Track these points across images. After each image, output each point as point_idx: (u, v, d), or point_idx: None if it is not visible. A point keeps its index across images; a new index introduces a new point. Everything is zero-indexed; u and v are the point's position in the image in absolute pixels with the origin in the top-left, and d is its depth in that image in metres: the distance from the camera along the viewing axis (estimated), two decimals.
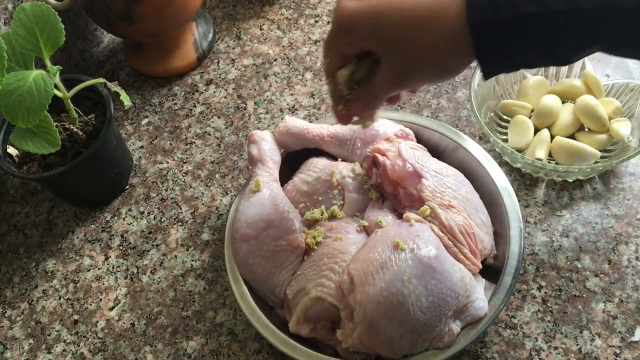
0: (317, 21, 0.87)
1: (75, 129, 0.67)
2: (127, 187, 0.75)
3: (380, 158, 0.60)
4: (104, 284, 0.67)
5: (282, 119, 0.71)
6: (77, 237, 0.71)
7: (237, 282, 0.59)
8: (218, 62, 0.85)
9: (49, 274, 0.69)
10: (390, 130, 0.64)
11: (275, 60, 0.83)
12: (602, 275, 0.60)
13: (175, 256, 0.68)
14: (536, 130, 0.68)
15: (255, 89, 0.81)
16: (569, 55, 0.41)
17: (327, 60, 0.49)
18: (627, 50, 0.41)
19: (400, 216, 0.59)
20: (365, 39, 0.45)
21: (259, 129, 0.76)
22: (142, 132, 0.79)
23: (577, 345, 0.57)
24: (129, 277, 0.67)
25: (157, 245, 0.69)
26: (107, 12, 0.74)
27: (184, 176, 0.74)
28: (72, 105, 0.66)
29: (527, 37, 0.40)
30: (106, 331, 0.64)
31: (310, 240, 0.58)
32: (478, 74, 0.66)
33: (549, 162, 0.65)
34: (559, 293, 0.60)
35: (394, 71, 0.45)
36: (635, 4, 0.36)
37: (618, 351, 0.56)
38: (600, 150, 0.65)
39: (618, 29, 0.38)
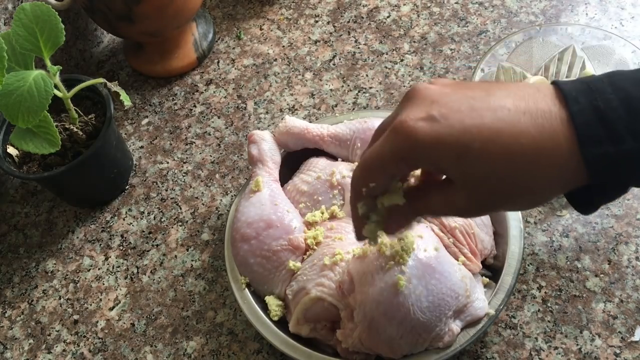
0: (317, 21, 0.87)
1: (75, 129, 0.67)
2: (127, 187, 0.75)
3: None
4: (104, 284, 0.67)
5: (282, 119, 0.71)
6: (77, 237, 0.71)
7: (237, 282, 0.59)
8: (218, 62, 0.85)
9: (49, 274, 0.69)
10: None
11: (275, 60, 0.83)
12: (602, 275, 0.60)
13: (175, 256, 0.68)
14: None
15: (255, 89, 0.81)
16: None
17: (372, 184, 0.41)
18: None
19: None
20: (443, 168, 0.38)
21: (259, 129, 0.76)
22: (142, 132, 0.79)
23: (577, 345, 0.57)
24: (129, 277, 0.67)
25: (157, 245, 0.69)
26: (107, 12, 0.74)
27: (184, 176, 0.74)
28: (72, 105, 0.66)
29: None
30: (106, 331, 0.64)
31: (310, 241, 0.58)
32: (478, 74, 0.66)
33: None
34: (559, 293, 0.60)
35: (474, 203, 0.38)
36: None
37: (618, 351, 0.56)
38: None
39: None
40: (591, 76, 0.37)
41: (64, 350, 0.64)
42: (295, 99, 0.79)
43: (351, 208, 0.45)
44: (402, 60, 0.80)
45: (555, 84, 0.37)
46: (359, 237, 0.46)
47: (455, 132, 0.36)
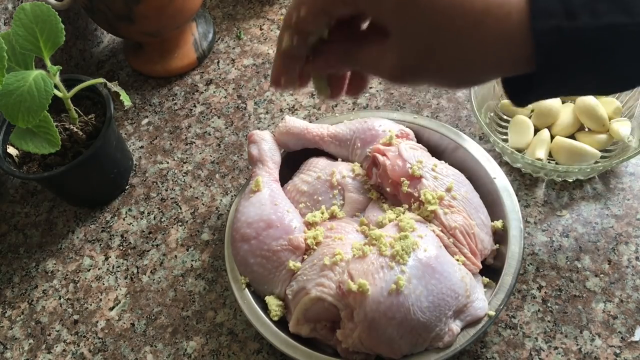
0: None
1: (75, 129, 0.67)
2: (127, 187, 0.75)
3: (380, 158, 0.60)
4: (104, 284, 0.67)
5: (282, 119, 0.71)
6: (77, 237, 0.71)
7: (237, 282, 0.59)
8: (218, 62, 0.85)
9: (49, 274, 0.69)
10: (390, 130, 0.64)
11: None
12: (602, 275, 0.60)
13: (175, 256, 0.68)
14: (536, 130, 0.68)
15: (255, 89, 0.81)
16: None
17: (303, 13, 0.38)
18: None
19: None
20: (381, 11, 0.35)
21: (259, 129, 0.76)
22: (142, 132, 0.79)
23: (577, 345, 0.57)
24: (129, 277, 0.67)
25: (157, 245, 0.69)
26: (107, 12, 0.74)
27: (184, 176, 0.74)
28: (72, 105, 0.66)
29: (600, 55, 0.31)
30: (106, 331, 0.64)
31: (310, 241, 0.58)
32: None
33: (549, 162, 0.65)
34: (559, 293, 0.60)
35: (407, 60, 0.35)
36: None
37: (618, 351, 0.56)
38: (600, 150, 0.65)
39: None
40: None
41: (64, 350, 0.64)
42: (295, 99, 0.79)
43: (277, 42, 0.41)
44: None
45: None
46: (273, 79, 0.43)
47: None
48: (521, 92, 0.36)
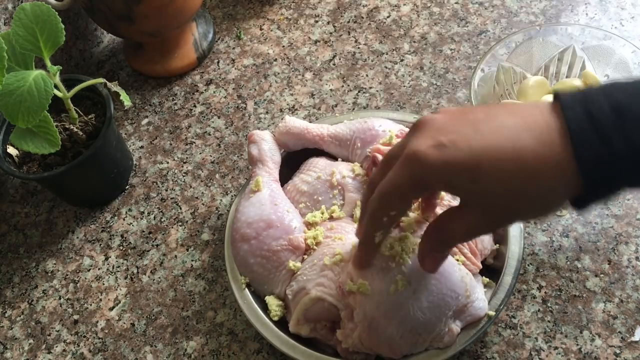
0: (317, 21, 0.87)
1: (75, 129, 0.67)
2: (127, 187, 0.75)
3: (380, 158, 0.60)
4: (104, 284, 0.67)
5: (282, 119, 0.71)
6: (77, 237, 0.71)
7: (237, 282, 0.59)
8: (218, 62, 0.85)
9: (49, 274, 0.69)
10: (390, 130, 0.64)
11: (275, 60, 0.83)
12: (602, 275, 0.60)
13: (175, 256, 0.68)
14: None
15: (255, 89, 0.81)
16: None
17: (393, 212, 0.44)
18: None
19: None
20: (455, 189, 0.41)
21: (259, 129, 0.76)
22: (142, 132, 0.79)
23: (577, 345, 0.57)
24: (129, 277, 0.67)
25: (157, 245, 0.69)
26: (107, 12, 0.74)
27: (184, 176, 0.74)
28: (72, 105, 0.66)
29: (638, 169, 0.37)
30: (106, 331, 0.64)
31: (310, 241, 0.58)
32: (478, 74, 0.66)
33: None
34: (559, 293, 0.60)
35: (489, 220, 0.42)
36: None
37: (618, 351, 0.56)
38: None
39: None
40: (590, 86, 0.40)
41: (64, 350, 0.64)
42: (295, 99, 0.79)
43: (365, 236, 0.48)
44: (402, 60, 0.80)
45: (556, 93, 0.40)
46: (365, 265, 0.50)
47: (463, 155, 0.39)
48: (580, 203, 0.41)
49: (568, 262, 0.61)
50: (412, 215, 0.57)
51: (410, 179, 0.42)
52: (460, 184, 0.40)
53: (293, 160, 0.67)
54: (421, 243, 0.47)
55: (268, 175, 0.64)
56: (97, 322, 0.65)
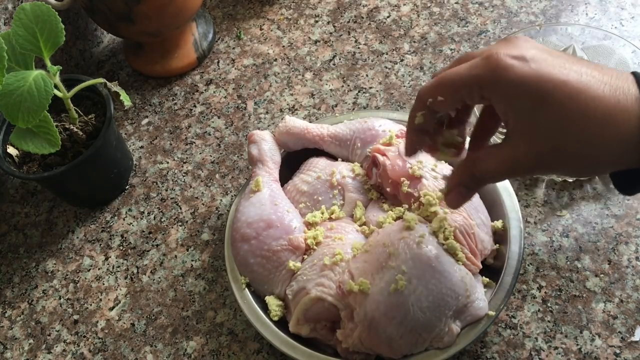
0: (317, 21, 0.87)
1: (75, 129, 0.67)
2: (127, 187, 0.75)
3: (380, 158, 0.60)
4: (104, 284, 0.67)
5: (282, 119, 0.71)
6: (77, 237, 0.71)
7: (237, 282, 0.59)
8: (218, 62, 0.85)
9: (49, 274, 0.69)
10: (390, 130, 0.64)
11: (275, 60, 0.83)
12: (602, 275, 0.60)
13: (175, 256, 0.68)
14: None
15: (255, 89, 0.81)
16: None
17: (440, 98, 0.42)
18: None
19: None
20: (515, 109, 0.39)
21: (259, 129, 0.76)
22: (142, 132, 0.79)
23: (577, 345, 0.57)
24: (129, 277, 0.67)
25: (157, 245, 0.69)
26: (107, 12, 0.74)
27: (184, 176, 0.74)
28: (72, 105, 0.66)
29: None
30: (106, 331, 0.64)
31: (310, 241, 0.58)
32: None
33: None
34: (559, 293, 0.60)
35: (536, 157, 0.40)
36: None
37: (618, 351, 0.56)
38: None
39: None
40: None
41: (64, 350, 0.64)
42: (295, 99, 0.79)
43: (409, 118, 0.47)
44: (402, 60, 0.80)
45: (635, 73, 0.39)
46: (409, 151, 0.49)
47: (542, 78, 0.37)
48: (629, 185, 0.41)
49: (568, 262, 0.61)
50: (412, 215, 0.57)
51: (475, 77, 0.40)
52: (520, 105, 0.38)
53: (293, 160, 0.67)
54: (451, 176, 0.46)
55: (268, 175, 0.64)
56: (97, 322, 0.65)
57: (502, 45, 0.40)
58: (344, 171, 0.63)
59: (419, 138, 0.48)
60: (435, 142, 0.49)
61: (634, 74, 0.39)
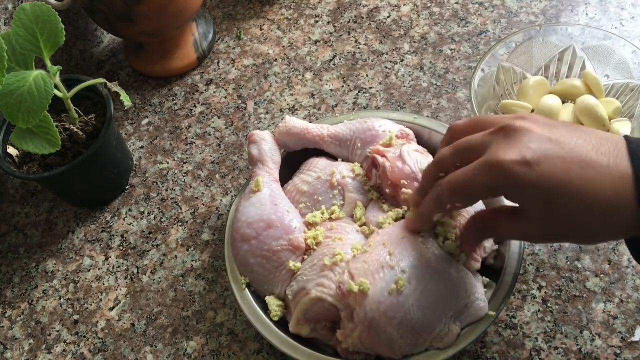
0: (317, 21, 0.87)
1: (75, 129, 0.67)
2: (127, 187, 0.75)
3: (380, 159, 0.60)
4: (104, 284, 0.67)
5: (282, 119, 0.71)
6: (77, 237, 0.71)
7: (237, 282, 0.59)
8: (218, 62, 0.85)
9: (49, 274, 0.69)
10: (390, 131, 0.64)
11: (275, 60, 0.83)
12: (602, 275, 0.60)
13: (175, 256, 0.68)
14: None
15: (255, 89, 0.81)
16: None
17: (458, 204, 0.48)
18: None
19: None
20: (526, 205, 0.43)
21: (259, 129, 0.76)
22: (142, 132, 0.79)
23: (577, 345, 0.57)
24: (129, 277, 0.67)
25: (157, 245, 0.69)
26: (107, 12, 0.74)
27: (184, 176, 0.74)
28: (72, 105, 0.66)
29: None
30: (106, 331, 0.64)
31: (310, 241, 0.58)
32: (478, 74, 0.66)
33: None
34: (559, 293, 0.60)
35: (544, 234, 0.44)
36: None
37: (618, 351, 0.56)
38: None
39: None
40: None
41: (64, 350, 0.64)
42: (295, 99, 0.79)
43: (426, 211, 0.50)
44: (402, 60, 0.80)
45: (626, 139, 0.42)
46: (418, 231, 0.53)
47: (546, 182, 0.41)
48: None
49: (568, 262, 0.61)
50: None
51: (486, 186, 0.43)
52: (533, 202, 0.42)
53: (293, 160, 0.67)
54: (465, 231, 0.51)
55: (268, 175, 0.64)
56: (97, 322, 0.65)
57: (501, 146, 0.43)
58: (344, 171, 0.63)
59: (431, 224, 0.53)
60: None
61: (627, 140, 0.42)
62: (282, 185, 0.64)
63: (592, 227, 0.42)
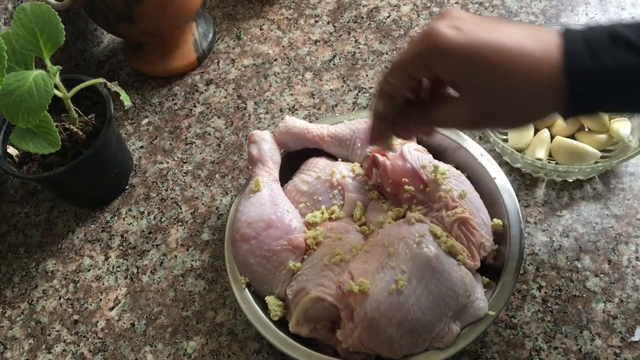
0: (317, 21, 0.87)
1: (75, 129, 0.67)
2: (127, 187, 0.75)
3: (380, 158, 0.60)
4: (104, 284, 0.67)
5: (282, 119, 0.71)
6: (77, 237, 0.71)
7: (237, 282, 0.59)
8: (218, 62, 0.85)
9: (49, 274, 0.69)
10: None
11: (275, 60, 0.83)
12: (602, 275, 0.60)
13: (175, 256, 0.68)
14: (536, 130, 0.68)
15: (255, 89, 0.81)
16: None
17: (394, 81, 0.46)
18: None
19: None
20: (457, 74, 0.43)
21: (259, 129, 0.76)
22: (142, 132, 0.79)
23: (577, 345, 0.57)
24: (129, 277, 0.67)
25: (157, 245, 0.69)
26: (107, 12, 0.74)
27: (184, 176, 0.74)
28: (72, 105, 0.66)
29: (624, 87, 0.40)
30: (106, 331, 0.64)
31: (310, 241, 0.58)
32: None
33: (549, 162, 0.65)
34: (559, 293, 0.60)
35: (477, 112, 0.44)
36: None
37: (618, 351, 0.56)
38: (600, 150, 0.65)
39: None
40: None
41: (64, 350, 0.64)
42: (295, 99, 0.79)
43: (371, 108, 0.49)
44: None
45: (564, 27, 0.43)
46: (372, 139, 0.52)
47: (474, 42, 0.42)
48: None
49: (568, 262, 0.61)
50: (414, 214, 0.57)
51: (419, 52, 0.44)
52: (460, 69, 0.42)
53: (293, 160, 0.67)
54: (406, 114, 0.49)
55: (268, 175, 0.64)
56: (97, 322, 0.65)
57: (437, 19, 0.44)
58: (344, 171, 0.63)
59: (383, 126, 0.50)
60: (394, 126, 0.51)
61: (562, 27, 0.43)
62: (282, 185, 0.64)
63: (516, 92, 0.42)
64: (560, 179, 0.66)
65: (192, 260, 0.67)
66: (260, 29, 0.87)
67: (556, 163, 0.65)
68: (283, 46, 0.85)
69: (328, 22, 0.86)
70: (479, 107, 0.44)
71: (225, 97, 0.81)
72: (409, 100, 0.48)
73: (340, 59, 0.82)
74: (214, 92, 0.82)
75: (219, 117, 0.79)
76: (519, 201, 0.60)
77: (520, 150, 0.67)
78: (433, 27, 0.43)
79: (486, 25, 0.43)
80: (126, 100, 0.66)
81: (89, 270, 0.69)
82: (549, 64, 0.41)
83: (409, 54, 0.45)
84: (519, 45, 0.41)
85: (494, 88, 0.42)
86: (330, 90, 0.79)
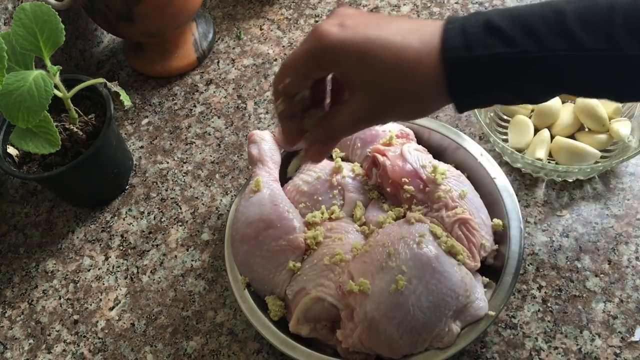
0: (317, 21, 0.86)
1: (75, 129, 0.67)
2: (127, 187, 0.75)
3: (380, 158, 0.60)
4: (104, 284, 0.67)
5: None
6: (77, 237, 0.71)
7: (237, 282, 0.59)
8: (218, 62, 0.85)
9: (49, 274, 0.69)
10: (390, 130, 0.64)
11: (275, 60, 0.83)
12: (602, 275, 0.60)
13: (175, 256, 0.68)
14: (536, 130, 0.68)
15: (255, 89, 0.81)
16: (538, 96, 0.43)
17: (287, 80, 0.47)
18: (590, 92, 0.43)
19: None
20: (345, 70, 0.44)
21: (259, 129, 0.76)
22: (142, 132, 0.79)
23: (577, 345, 0.57)
24: (129, 277, 0.67)
25: (157, 245, 0.69)
26: (107, 12, 0.74)
27: (184, 176, 0.74)
28: (72, 105, 0.66)
29: (499, 77, 0.41)
30: (106, 331, 0.64)
31: (310, 241, 0.58)
32: None
33: (549, 162, 0.65)
34: (559, 293, 0.60)
35: (370, 106, 0.45)
36: (596, 48, 0.39)
37: (618, 351, 0.56)
38: (600, 150, 0.65)
39: (582, 74, 0.40)
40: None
41: (64, 350, 0.64)
42: None
43: (274, 110, 0.50)
44: None
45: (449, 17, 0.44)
46: (287, 140, 0.52)
47: (358, 38, 0.43)
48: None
49: (568, 262, 0.61)
50: (414, 214, 0.57)
51: (307, 51, 0.45)
52: (348, 64, 0.43)
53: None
54: (308, 135, 0.50)
55: (268, 175, 0.64)
56: (97, 322, 0.65)
57: (323, 21, 0.45)
58: (344, 171, 0.63)
59: (290, 125, 0.51)
60: (304, 125, 0.50)
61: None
62: (282, 185, 0.64)
63: (402, 85, 0.43)
64: (560, 179, 0.66)
65: (192, 260, 0.67)
66: (260, 29, 0.87)
67: (556, 163, 0.65)
68: (283, 46, 0.85)
69: None
70: (371, 101, 0.44)
71: (225, 97, 0.81)
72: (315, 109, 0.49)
73: None
74: (214, 92, 0.82)
75: (219, 117, 0.79)
76: (519, 201, 0.60)
77: (520, 150, 0.67)
78: (318, 26, 0.44)
79: (372, 20, 0.44)
80: (126, 100, 0.66)
81: (89, 270, 0.69)
82: (430, 57, 0.42)
83: (298, 53, 0.46)
84: (403, 39, 0.42)
85: (382, 80, 0.43)
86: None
